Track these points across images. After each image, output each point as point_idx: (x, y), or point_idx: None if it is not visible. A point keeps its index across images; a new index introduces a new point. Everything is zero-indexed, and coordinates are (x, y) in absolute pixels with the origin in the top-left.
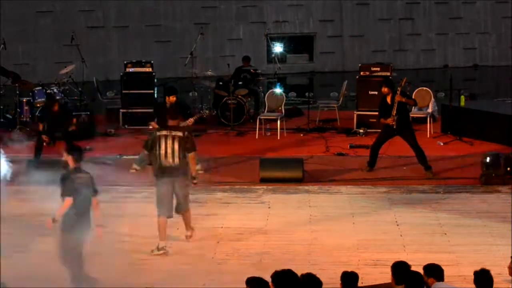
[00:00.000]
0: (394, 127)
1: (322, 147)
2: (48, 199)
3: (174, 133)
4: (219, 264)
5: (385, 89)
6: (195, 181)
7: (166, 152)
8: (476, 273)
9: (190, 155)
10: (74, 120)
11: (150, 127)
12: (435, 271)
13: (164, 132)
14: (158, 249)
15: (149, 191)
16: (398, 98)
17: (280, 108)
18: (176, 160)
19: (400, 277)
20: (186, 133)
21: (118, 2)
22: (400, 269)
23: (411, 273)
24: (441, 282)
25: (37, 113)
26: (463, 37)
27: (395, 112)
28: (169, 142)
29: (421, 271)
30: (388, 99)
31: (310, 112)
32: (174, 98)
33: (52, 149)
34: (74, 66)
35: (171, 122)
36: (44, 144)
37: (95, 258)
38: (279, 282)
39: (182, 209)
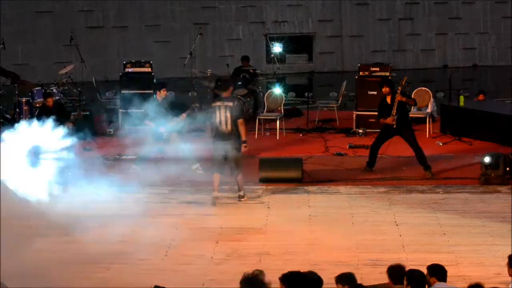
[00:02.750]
0: (394, 126)
1: (322, 147)
2: None
3: (226, 103)
4: (219, 264)
5: (386, 89)
6: (245, 145)
7: (220, 120)
8: None
9: (239, 121)
10: (71, 116)
11: (148, 126)
12: (438, 271)
13: (218, 103)
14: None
15: (147, 192)
16: (398, 97)
17: (279, 108)
18: (229, 127)
19: (396, 279)
20: (235, 102)
21: (117, 2)
22: (395, 271)
23: (412, 271)
24: (442, 283)
25: (36, 114)
26: (463, 37)
27: (395, 111)
28: (222, 111)
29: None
30: (388, 99)
31: (310, 112)
32: (165, 92)
33: None
34: (73, 66)
35: (224, 94)
36: None
37: (97, 258)
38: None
39: (234, 174)
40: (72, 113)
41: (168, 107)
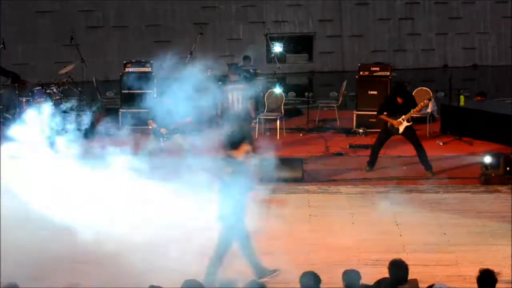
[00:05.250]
0: (400, 132)
1: (322, 147)
2: None
3: (237, 86)
4: None
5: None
6: (254, 121)
7: (232, 102)
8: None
9: (250, 101)
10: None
11: (150, 126)
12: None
13: (230, 86)
14: None
15: (147, 191)
16: (423, 104)
17: (279, 108)
18: (240, 107)
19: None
20: (245, 85)
21: (117, 2)
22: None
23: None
24: (441, 282)
25: None
26: (463, 37)
27: (407, 118)
28: (235, 93)
29: (419, 272)
30: (399, 100)
31: (310, 112)
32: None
33: None
34: (74, 66)
35: (233, 78)
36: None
37: (97, 258)
38: None
39: None
40: None
41: (236, 70)
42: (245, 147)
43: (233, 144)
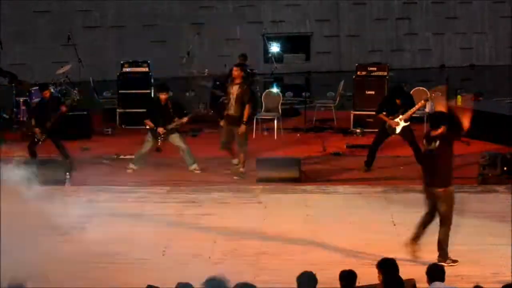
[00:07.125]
0: (396, 132)
1: (319, 147)
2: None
3: (234, 88)
4: (216, 264)
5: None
6: (244, 125)
7: (229, 102)
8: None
9: (247, 105)
10: (63, 107)
11: (147, 126)
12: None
13: (230, 87)
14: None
15: (144, 191)
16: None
17: (277, 108)
18: (236, 110)
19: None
20: (245, 87)
21: (115, 2)
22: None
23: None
24: (438, 282)
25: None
26: (460, 37)
27: (406, 118)
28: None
29: (418, 272)
30: (398, 101)
31: (307, 112)
32: (166, 96)
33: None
34: (71, 66)
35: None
36: (38, 139)
37: (94, 258)
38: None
39: (240, 150)
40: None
41: (171, 108)
42: (443, 128)
43: (434, 125)
